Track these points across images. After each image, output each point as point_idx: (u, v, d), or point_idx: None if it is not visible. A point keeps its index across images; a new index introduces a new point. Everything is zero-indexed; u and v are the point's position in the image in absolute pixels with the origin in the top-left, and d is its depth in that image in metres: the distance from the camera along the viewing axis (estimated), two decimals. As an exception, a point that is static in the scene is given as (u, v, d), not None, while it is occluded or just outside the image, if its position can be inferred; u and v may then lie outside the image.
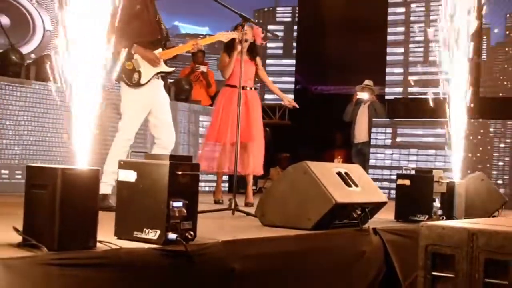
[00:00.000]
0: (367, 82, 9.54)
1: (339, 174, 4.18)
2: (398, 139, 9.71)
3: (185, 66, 9.57)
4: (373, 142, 9.75)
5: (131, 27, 4.69)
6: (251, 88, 6.22)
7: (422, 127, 9.53)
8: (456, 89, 5.17)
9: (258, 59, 6.37)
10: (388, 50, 10.62)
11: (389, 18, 10.70)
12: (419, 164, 9.11)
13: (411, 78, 10.21)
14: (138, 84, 4.82)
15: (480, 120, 9.02)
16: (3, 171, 6.18)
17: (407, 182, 4.84)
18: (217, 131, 6.12)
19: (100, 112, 2.72)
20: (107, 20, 2.78)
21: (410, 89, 10.37)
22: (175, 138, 5.11)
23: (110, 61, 2.88)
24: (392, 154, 9.73)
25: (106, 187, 4.60)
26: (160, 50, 4.93)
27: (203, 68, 8.91)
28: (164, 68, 4.97)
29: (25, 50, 8.36)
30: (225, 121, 6.05)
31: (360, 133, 9.51)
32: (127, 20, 4.57)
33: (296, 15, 12.20)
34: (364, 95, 9.42)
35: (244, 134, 5.80)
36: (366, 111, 9.47)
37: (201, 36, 11.15)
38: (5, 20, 8.42)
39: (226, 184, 7.83)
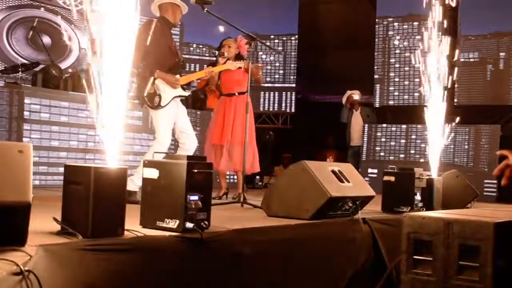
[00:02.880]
0: (349, 91, 9.50)
1: (333, 171, 4.17)
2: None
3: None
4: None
5: (153, 55, 4.74)
6: (239, 94, 5.75)
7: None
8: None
9: (246, 63, 5.55)
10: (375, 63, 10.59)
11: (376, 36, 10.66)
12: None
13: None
14: (159, 106, 4.88)
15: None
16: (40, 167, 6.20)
17: (392, 178, 4.82)
18: (211, 134, 5.86)
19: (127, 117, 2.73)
20: (132, 40, 2.78)
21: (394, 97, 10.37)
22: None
23: (135, 79, 2.88)
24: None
25: (134, 186, 4.62)
26: (178, 76, 5.00)
27: (216, 81, 8.90)
28: (181, 92, 5.04)
29: (63, 65, 8.38)
30: (217, 125, 5.81)
31: (355, 137, 9.43)
32: (147, 49, 4.62)
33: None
34: (355, 96, 9.37)
35: (227, 137, 5.68)
36: (360, 117, 9.43)
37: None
38: (46, 40, 8.46)
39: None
